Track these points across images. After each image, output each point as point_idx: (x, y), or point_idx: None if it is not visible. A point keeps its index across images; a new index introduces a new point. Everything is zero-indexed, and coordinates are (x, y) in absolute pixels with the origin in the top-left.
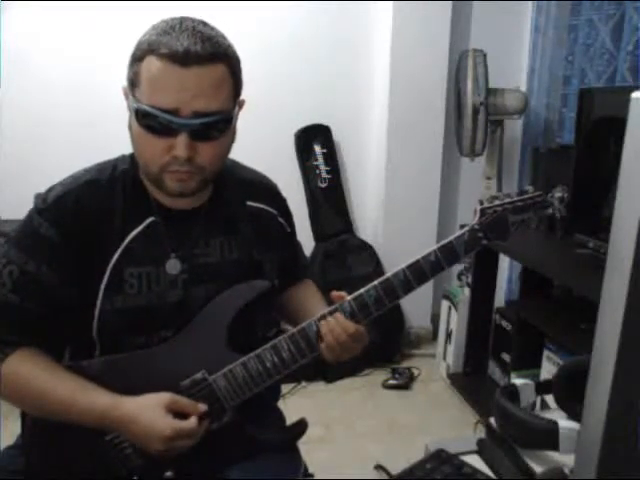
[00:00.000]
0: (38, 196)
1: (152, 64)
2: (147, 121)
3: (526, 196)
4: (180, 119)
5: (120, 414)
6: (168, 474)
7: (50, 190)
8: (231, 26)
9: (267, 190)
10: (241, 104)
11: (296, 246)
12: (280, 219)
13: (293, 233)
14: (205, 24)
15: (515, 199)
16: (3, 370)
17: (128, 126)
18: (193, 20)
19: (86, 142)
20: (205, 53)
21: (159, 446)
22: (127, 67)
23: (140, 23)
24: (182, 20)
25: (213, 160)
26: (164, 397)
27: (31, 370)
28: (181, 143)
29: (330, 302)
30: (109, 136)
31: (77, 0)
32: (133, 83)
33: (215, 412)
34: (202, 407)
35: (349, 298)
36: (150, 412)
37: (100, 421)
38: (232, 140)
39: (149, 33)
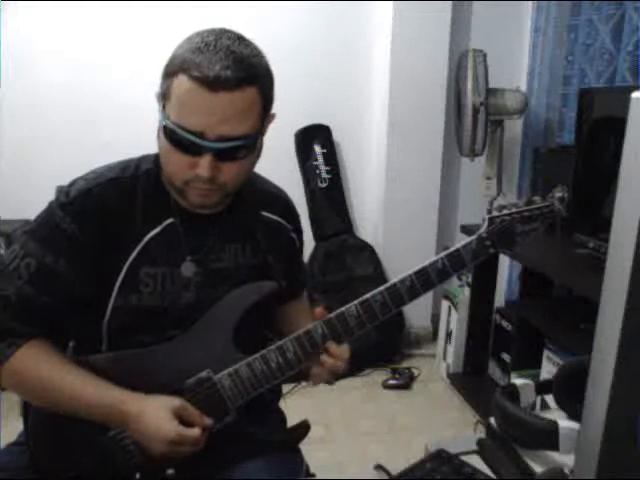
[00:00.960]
0: (61, 189)
1: (183, 84)
2: (173, 137)
3: (534, 206)
4: (205, 141)
5: (128, 409)
6: (170, 472)
7: (72, 184)
8: (231, 26)
9: (283, 204)
10: (270, 119)
11: (301, 263)
12: (292, 234)
13: (301, 250)
14: (242, 41)
15: (523, 209)
16: (14, 362)
17: (157, 133)
18: (229, 37)
19: (86, 142)
20: (235, 78)
21: (161, 448)
22: (160, 77)
23: (140, 23)
24: (217, 37)
25: (236, 178)
26: (174, 401)
27: (42, 362)
28: (205, 163)
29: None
30: (109, 136)
31: (77, 0)
32: (164, 96)
33: (218, 412)
34: (208, 421)
35: (356, 302)
36: (158, 413)
37: (107, 415)
38: (258, 155)
39: (183, 47)
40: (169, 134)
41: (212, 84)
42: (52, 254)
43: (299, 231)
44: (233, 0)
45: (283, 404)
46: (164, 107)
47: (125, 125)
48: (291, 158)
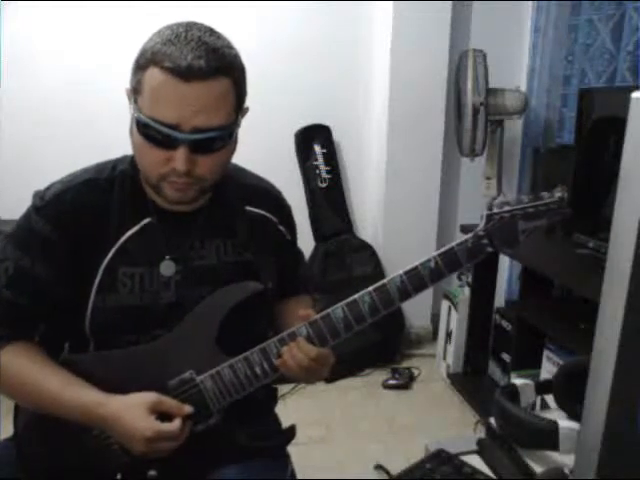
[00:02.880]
0: (36, 194)
1: (154, 76)
2: (147, 131)
3: (539, 202)
4: (180, 134)
5: (104, 412)
6: (152, 473)
7: (48, 188)
8: (231, 26)
9: (269, 197)
10: (244, 112)
11: (297, 256)
12: (280, 227)
13: (294, 242)
14: (212, 32)
15: (526, 205)
16: None
17: (129, 130)
18: (200, 28)
19: (86, 142)
20: (208, 68)
21: (140, 447)
22: (131, 72)
23: (139, 23)
24: (188, 28)
25: (213, 171)
26: (149, 397)
27: (21, 364)
28: (180, 157)
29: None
30: (108, 136)
31: (77, 0)
32: (136, 90)
33: (201, 413)
34: (187, 409)
35: (343, 303)
36: (133, 412)
37: (86, 417)
38: (234, 148)
39: (154, 40)
40: (142, 128)
41: (185, 74)
42: (28, 257)
43: (289, 225)
44: (233, 0)
45: (283, 404)
46: (136, 102)
47: (125, 125)
48: (291, 158)
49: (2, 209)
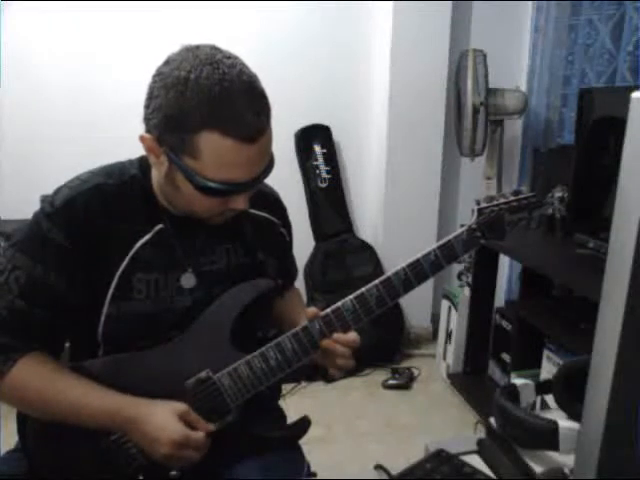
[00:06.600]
0: (45, 199)
1: (217, 141)
2: (210, 190)
3: (521, 196)
4: (247, 185)
5: (133, 413)
6: (173, 473)
7: (57, 193)
8: (231, 26)
9: (270, 199)
10: None
11: (292, 256)
12: (282, 229)
13: (291, 243)
14: (234, 64)
15: (511, 199)
16: (12, 377)
17: (164, 175)
18: (240, 74)
19: (85, 142)
20: (267, 120)
21: (165, 449)
22: (161, 123)
23: (139, 23)
24: (227, 77)
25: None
26: (179, 406)
27: (40, 375)
28: (245, 199)
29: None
30: (108, 136)
31: (76, 0)
32: (184, 151)
33: (219, 411)
34: (211, 427)
35: (351, 296)
36: (163, 415)
37: (111, 421)
38: None
39: (195, 97)
40: (203, 188)
41: (254, 137)
42: (41, 265)
43: (288, 225)
44: (233, 0)
45: (283, 404)
46: (178, 156)
47: (125, 126)
48: (291, 158)
49: (2, 209)
